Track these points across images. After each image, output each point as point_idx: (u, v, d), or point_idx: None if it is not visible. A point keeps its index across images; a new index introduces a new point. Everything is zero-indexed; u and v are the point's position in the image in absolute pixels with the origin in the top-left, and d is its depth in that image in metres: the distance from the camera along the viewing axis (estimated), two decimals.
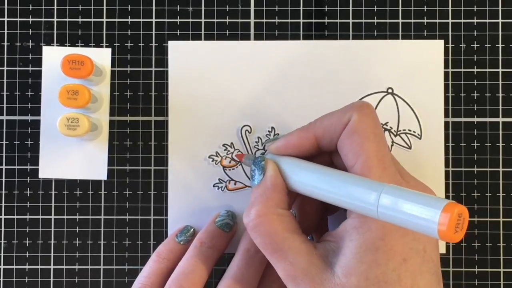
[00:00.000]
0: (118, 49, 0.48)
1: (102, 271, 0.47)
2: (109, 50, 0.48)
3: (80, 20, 0.48)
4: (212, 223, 0.45)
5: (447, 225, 0.29)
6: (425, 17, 0.48)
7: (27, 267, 0.47)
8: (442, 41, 0.47)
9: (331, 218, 0.44)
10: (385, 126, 0.47)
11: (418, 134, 0.47)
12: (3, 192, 0.47)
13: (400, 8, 0.48)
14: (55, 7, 0.48)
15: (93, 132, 0.45)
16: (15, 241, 0.47)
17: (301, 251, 0.37)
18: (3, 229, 0.47)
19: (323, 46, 0.47)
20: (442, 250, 0.47)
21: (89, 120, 0.44)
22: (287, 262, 0.37)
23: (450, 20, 0.48)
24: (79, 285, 0.47)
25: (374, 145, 0.37)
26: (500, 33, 0.48)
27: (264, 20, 0.48)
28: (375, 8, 0.48)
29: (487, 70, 0.48)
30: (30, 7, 0.48)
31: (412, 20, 0.48)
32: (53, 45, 0.48)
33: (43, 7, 0.48)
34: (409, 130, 0.47)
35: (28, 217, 0.47)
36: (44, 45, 0.48)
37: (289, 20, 0.48)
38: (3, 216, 0.47)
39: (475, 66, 0.48)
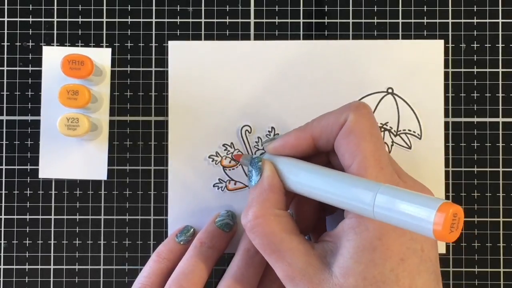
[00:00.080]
0: (118, 49, 0.48)
1: (102, 271, 0.47)
2: (109, 50, 0.48)
3: (80, 20, 0.48)
4: (212, 223, 0.45)
5: (442, 225, 0.29)
6: (425, 17, 0.48)
7: (27, 267, 0.47)
8: (442, 41, 0.47)
9: (329, 219, 0.44)
10: (385, 126, 0.47)
11: (418, 134, 0.47)
12: (3, 192, 0.47)
13: (400, 8, 0.48)
14: (55, 7, 0.48)
15: (93, 132, 0.46)
16: (15, 241, 0.47)
17: (299, 251, 0.37)
18: (3, 229, 0.47)
19: (323, 46, 0.47)
20: (442, 250, 0.47)
21: (89, 120, 0.44)
22: (285, 263, 0.37)
23: (450, 20, 0.48)
24: (79, 285, 0.47)
25: (371, 145, 0.37)
26: (500, 33, 0.48)
27: (264, 20, 0.48)
28: (375, 8, 0.48)
29: (487, 70, 0.47)
30: (30, 7, 0.48)
31: (412, 20, 0.48)
32: (53, 45, 0.48)
33: (43, 7, 0.48)
34: (409, 130, 0.47)
35: (28, 217, 0.47)
36: (44, 45, 0.48)
37: (289, 20, 0.48)
38: (3, 216, 0.47)
39: (475, 66, 0.48)
